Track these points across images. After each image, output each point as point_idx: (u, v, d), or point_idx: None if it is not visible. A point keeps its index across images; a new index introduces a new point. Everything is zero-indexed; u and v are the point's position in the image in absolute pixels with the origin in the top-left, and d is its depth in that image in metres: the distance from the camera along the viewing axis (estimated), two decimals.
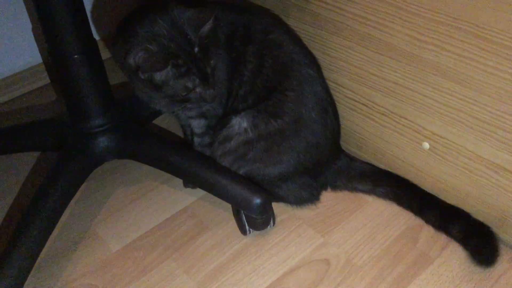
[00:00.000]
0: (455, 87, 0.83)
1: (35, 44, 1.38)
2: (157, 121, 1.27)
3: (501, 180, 0.85)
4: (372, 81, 0.98)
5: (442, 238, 0.94)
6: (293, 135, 0.93)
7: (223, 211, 1.03)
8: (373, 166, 1.05)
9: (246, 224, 0.96)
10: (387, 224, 0.98)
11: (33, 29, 1.36)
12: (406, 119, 0.96)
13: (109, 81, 1.01)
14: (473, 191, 0.91)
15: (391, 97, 0.96)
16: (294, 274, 0.90)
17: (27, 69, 1.40)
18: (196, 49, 0.83)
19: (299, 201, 1.01)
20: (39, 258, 0.87)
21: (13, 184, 1.12)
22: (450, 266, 0.90)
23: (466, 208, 0.94)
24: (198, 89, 0.86)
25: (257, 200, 0.91)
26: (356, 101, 1.04)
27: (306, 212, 1.02)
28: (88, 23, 0.92)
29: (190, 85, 0.84)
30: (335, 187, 1.05)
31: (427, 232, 0.96)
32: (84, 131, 1.00)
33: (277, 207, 1.01)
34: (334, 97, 1.03)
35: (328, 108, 0.97)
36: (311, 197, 1.02)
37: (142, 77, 0.84)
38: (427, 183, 0.99)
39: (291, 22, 1.07)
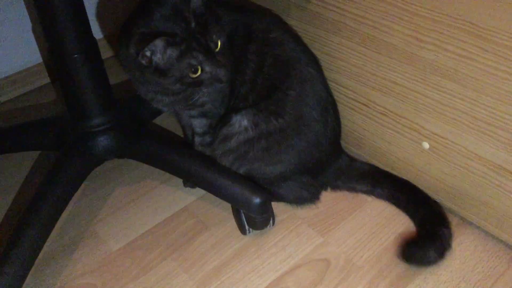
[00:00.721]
0: (455, 87, 0.83)
1: (35, 44, 1.38)
2: (157, 121, 1.27)
3: (501, 180, 0.85)
4: (372, 81, 0.98)
5: None
6: (294, 134, 0.93)
7: (223, 211, 1.03)
8: (373, 166, 1.05)
9: (246, 224, 0.96)
10: (387, 224, 0.98)
11: (33, 29, 1.36)
12: (405, 118, 0.96)
13: (109, 80, 1.01)
14: (472, 191, 0.91)
15: (391, 96, 0.96)
16: (293, 274, 0.90)
17: (27, 68, 1.40)
18: (193, 24, 0.81)
19: (299, 200, 1.01)
20: (38, 257, 0.87)
21: (13, 183, 1.12)
22: (449, 266, 0.90)
23: (466, 208, 0.94)
24: (207, 68, 0.83)
25: (257, 200, 0.91)
26: (356, 100, 1.04)
27: (306, 212, 1.02)
28: (88, 22, 0.92)
29: (194, 62, 0.82)
30: (334, 187, 1.05)
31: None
32: (84, 130, 1.00)
33: (276, 206, 1.01)
34: (334, 97, 1.03)
35: (329, 107, 0.97)
36: (311, 197, 1.02)
37: (144, 62, 0.82)
38: (427, 183, 0.99)
39: (292, 22, 1.07)
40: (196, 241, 0.97)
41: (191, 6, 0.81)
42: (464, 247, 0.93)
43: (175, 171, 1.04)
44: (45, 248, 0.93)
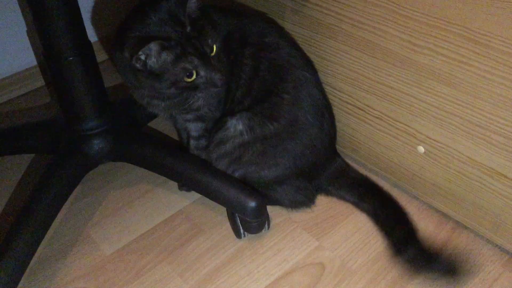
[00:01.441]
0: (450, 91, 0.84)
1: (30, 46, 1.38)
2: (152, 124, 1.27)
3: (496, 184, 0.85)
4: (368, 85, 0.98)
5: (437, 243, 0.95)
6: (289, 138, 0.93)
7: (218, 214, 1.03)
8: (364, 177, 1.05)
9: (241, 228, 0.96)
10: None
11: (28, 31, 1.36)
12: (401, 123, 0.96)
13: (104, 83, 1.01)
14: (467, 195, 0.91)
15: (387, 101, 0.96)
16: (288, 278, 0.90)
17: (21, 71, 1.39)
18: (188, 29, 0.81)
19: (294, 204, 1.01)
20: (32, 260, 0.87)
21: (7, 186, 1.11)
22: None
23: (461, 212, 0.94)
24: (202, 72, 0.83)
25: (252, 204, 0.91)
26: (351, 104, 1.04)
27: (301, 216, 1.02)
28: (83, 25, 0.92)
29: (189, 66, 0.82)
30: (327, 192, 1.04)
31: (422, 236, 0.96)
32: (79, 133, 1.00)
33: (272, 210, 1.01)
34: (330, 101, 1.03)
35: (324, 111, 0.97)
36: (307, 201, 1.01)
37: (139, 66, 0.82)
38: (422, 187, 0.99)
39: (288, 26, 1.07)
40: (191, 245, 0.97)
41: (186, 10, 0.81)
42: (459, 252, 0.93)
43: (170, 174, 1.04)
44: (39, 251, 0.93)
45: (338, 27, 0.97)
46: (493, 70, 0.76)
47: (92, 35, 1.46)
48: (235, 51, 0.93)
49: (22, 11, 1.32)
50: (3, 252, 0.82)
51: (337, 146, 1.07)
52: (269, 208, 0.99)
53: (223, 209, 1.03)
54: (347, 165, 1.05)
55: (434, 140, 0.91)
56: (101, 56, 1.48)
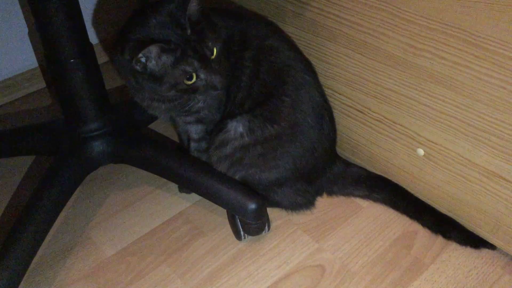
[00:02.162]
0: (450, 94, 0.84)
1: (31, 48, 1.38)
2: (153, 126, 1.27)
3: (495, 187, 0.86)
4: (368, 88, 0.98)
5: (437, 244, 0.95)
6: (289, 141, 0.94)
7: (218, 216, 1.03)
8: (367, 171, 1.05)
9: (241, 230, 0.96)
10: (382, 230, 0.98)
11: (29, 33, 1.36)
12: (401, 125, 0.96)
13: (105, 85, 1.01)
14: (467, 198, 0.92)
15: (386, 103, 0.96)
16: (288, 280, 0.90)
17: (22, 73, 1.40)
18: (188, 31, 0.81)
19: (294, 206, 1.01)
20: (32, 262, 0.87)
21: (8, 188, 1.11)
22: (444, 272, 0.90)
23: (461, 214, 0.95)
24: (202, 75, 0.83)
25: (252, 206, 0.91)
26: (351, 107, 1.04)
27: (301, 218, 1.02)
28: (85, 27, 0.92)
29: (189, 69, 0.82)
30: (331, 193, 1.05)
31: (422, 238, 0.96)
32: (80, 135, 1.00)
33: (272, 212, 1.01)
34: (330, 103, 1.03)
35: (324, 114, 0.98)
36: (307, 203, 1.02)
37: (139, 68, 0.82)
38: (422, 190, 1.00)
39: (288, 29, 1.08)
40: (191, 247, 0.97)
41: (187, 13, 0.81)
42: (458, 253, 0.93)
43: (171, 176, 1.04)
44: (39, 253, 0.93)
45: (338, 30, 0.97)
46: (492, 73, 0.76)
47: (93, 37, 1.47)
48: (235, 54, 0.94)
49: (24, 13, 1.32)
50: (4, 254, 0.82)
51: (337, 149, 1.07)
52: (269, 210, 0.99)
53: (223, 211, 1.03)
54: (348, 164, 1.06)
55: (434, 143, 0.92)
56: (102, 58, 1.48)
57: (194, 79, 0.83)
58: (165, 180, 1.08)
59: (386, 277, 0.90)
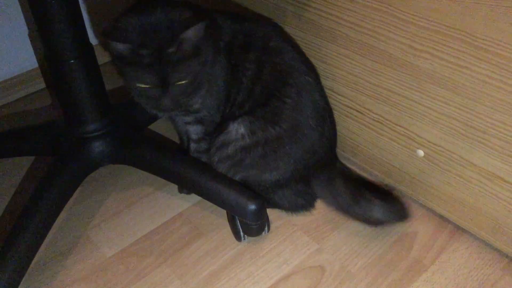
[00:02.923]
0: (450, 95, 0.84)
1: (31, 49, 1.38)
2: (153, 127, 1.27)
3: (495, 188, 0.86)
4: (368, 89, 0.98)
5: (436, 246, 0.95)
6: (291, 142, 0.94)
7: (218, 217, 1.03)
8: (361, 178, 1.05)
9: (241, 230, 0.96)
10: (381, 231, 0.98)
11: (29, 34, 1.36)
12: (401, 126, 0.96)
13: (105, 86, 1.01)
14: (467, 199, 0.92)
15: (386, 104, 0.96)
16: (288, 281, 0.90)
17: (23, 73, 1.40)
18: (170, 50, 0.79)
19: (294, 207, 1.01)
20: (32, 263, 0.87)
21: (8, 188, 1.11)
22: (443, 274, 0.90)
23: (460, 215, 0.95)
24: (154, 91, 0.83)
25: (252, 206, 0.91)
26: (351, 108, 1.04)
27: (301, 219, 1.02)
28: (85, 28, 0.92)
29: (147, 80, 0.81)
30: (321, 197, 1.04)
31: (421, 239, 0.96)
32: (80, 136, 1.00)
33: (271, 213, 1.01)
34: (330, 104, 1.03)
35: (326, 116, 0.98)
36: (306, 204, 1.02)
37: (110, 50, 0.81)
38: (421, 191, 1.00)
39: (288, 30, 1.08)
40: (191, 248, 0.97)
41: (181, 36, 0.79)
42: (458, 255, 0.93)
43: (170, 177, 1.04)
44: (39, 254, 0.93)
45: (338, 31, 0.97)
46: (492, 75, 0.76)
47: (93, 38, 1.47)
48: (237, 57, 0.94)
49: (24, 14, 1.33)
50: (3, 254, 0.82)
51: (337, 150, 1.07)
52: (269, 211, 0.99)
53: (223, 212, 1.03)
54: (347, 169, 1.06)
55: (434, 144, 0.92)
56: (102, 59, 1.48)
57: (146, 86, 0.83)
58: (165, 181, 1.08)
59: (386, 278, 0.89)
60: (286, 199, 1.00)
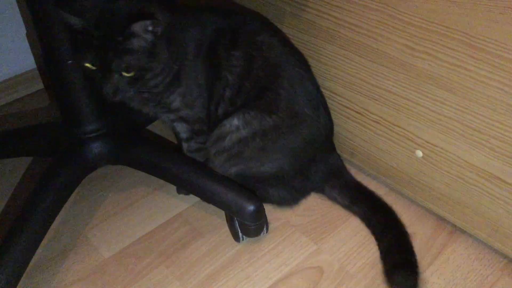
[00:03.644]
0: (448, 95, 0.84)
1: (29, 50, 1.38)
2: (151, 127, 1.27)
3: (493, 189, 0.86)
4: (366, 89, 0.98)
5: (435, 246, 0.95)
6: (289, 132, 0.94)
7: (217, 218, 1.03)
8: (357, 181, 1.05)
9: (239, 231, 0.96)
10: None
11: (27, 35, 1.36)
12: (399, 127, 0.96)
13: None
14: (465, 199, 0.92)
15: (385, 105, 0.96)
16: (287, 282, 0.90)
17: (20, 74, 1.40)
18: (119, 38, 0.78)
19: (282, 201, 1.02)
20: (30, 264, 0.87)
21: (6, 189, 1.11)
22: (442, 274, 0.90)
23: (459, 216, 0.95)
24: (97, 74, 0.82)
25: (251, 207, 0.91)
26: (350, 108, 1.04)
27: (300, 219, 1.02)
28: None
29: (92, 61, 0.80)
30: (322, 190, 1.04)
31: (420, 240, 0.96)
32: (78, 136, 1.00)
33: (270, 214, 1.01)
34: (328, 105, 1.03)
35: (320, 105, 0.98)
36: (292, 200, 1.03)
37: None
38: (420, 191, 1.00)
39: (286, 30, 1.08)
40: (189, 248, 0.97)
41: (131, 28, 0.78)
42: (457, 256, 0.93)
43: (169, 178, 1.04)
44: (37, 254, 0.93)
45: (336, 31, 0.97)
46: (491, 75, 0.76)
47: None
48: (220, 55, 0.93)
49: (22, 14, 1.32)
50: (1, 255, 0.82)
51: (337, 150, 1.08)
52: (268, 212, 0.99)
53: (221, 213, 1.03)
54: (343, 164, 1.06)
55: (432, 144, 0.92)
56: None
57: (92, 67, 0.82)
58: (163, 181, 1.07)
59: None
60: (278, 192, 1.00)
